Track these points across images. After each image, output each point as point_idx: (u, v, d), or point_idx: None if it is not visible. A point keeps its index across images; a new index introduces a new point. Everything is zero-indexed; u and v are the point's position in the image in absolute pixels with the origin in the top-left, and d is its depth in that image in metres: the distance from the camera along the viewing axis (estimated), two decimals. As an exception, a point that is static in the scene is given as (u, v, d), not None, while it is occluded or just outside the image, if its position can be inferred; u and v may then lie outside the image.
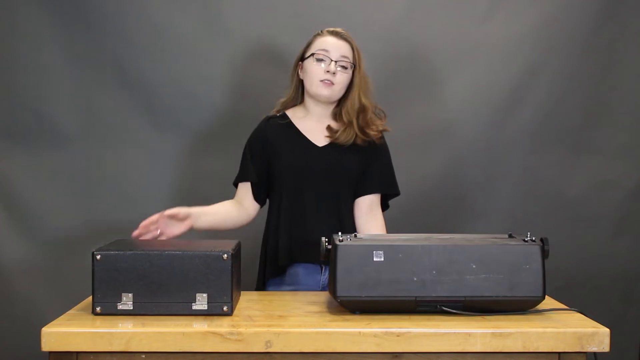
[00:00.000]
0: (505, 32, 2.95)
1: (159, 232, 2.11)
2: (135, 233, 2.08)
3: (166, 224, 2.13)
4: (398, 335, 1.66)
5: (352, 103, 2.30)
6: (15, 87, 2.85)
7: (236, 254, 1.84)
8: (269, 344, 1.65)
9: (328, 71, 2.26)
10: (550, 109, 2.98)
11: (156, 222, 2.11)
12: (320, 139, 2.32)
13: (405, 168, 2.84)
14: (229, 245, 1.85)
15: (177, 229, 2.15)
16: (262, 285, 2.34)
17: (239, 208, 2.34)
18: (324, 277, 2.29)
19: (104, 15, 2.84)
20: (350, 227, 2.30)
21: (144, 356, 1.65)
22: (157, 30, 2.86)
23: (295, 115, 2.36)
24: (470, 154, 2.97)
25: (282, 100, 2.41)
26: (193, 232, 2.87)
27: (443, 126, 2.96)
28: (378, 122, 2.34)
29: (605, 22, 2.95)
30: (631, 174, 3.04)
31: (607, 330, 1.67)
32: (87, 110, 2.88)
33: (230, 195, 2.41)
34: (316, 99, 2.31)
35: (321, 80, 2.26)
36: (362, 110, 2.30)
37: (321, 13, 2.87)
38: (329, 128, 2.32)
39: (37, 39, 2.84)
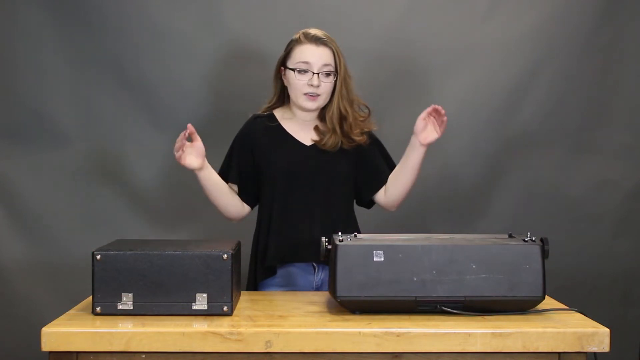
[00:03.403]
0: (505, 32, 2.94)
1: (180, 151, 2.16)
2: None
3: (187, 151, 2.17)
4: (398, 335, 1.66)
5: (333, 111, 2.26)
6: (15, 87, 2.85)
7: (236, 254, 1.84)
8: (269, 344, 1.65)
9: (311, 84, 2.22)
10: (550, 109, 2.98)
11: (181, 140, 2.14)
12: (308, 139, 2.30)
13: (405, 168, 2.84)
14: (229, 245, 1.85)
15: (190, 160, 2.18)
16: (253, 287, 2.31)
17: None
18: (318, 277, 2.28)
19: (104, 15, 2.84)
20: (343, 225, 2.25)
21: (144, 356, 1.65)
22: (157, 30, 2.86)
23: (283, 117, 2.34)
24: (471, 154, 2.97)
25: (268, 105, 2.37)
26: (193, 232, 2.90)
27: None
28: (361, 122, 2.30)
29: (605, 22, 2.95)
30: (631, 174, 3.03)
31: (607, 330, 1.67)
32: (87, 110, 2.89)
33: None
34: (302, 110, 2.29)
35: (305, 94, 2.24)
36: (343, 118, 2.27)
37: (321, 13, 2.87)
38: (316, 129, 2.30)
39: (37, 39, 2.84)
